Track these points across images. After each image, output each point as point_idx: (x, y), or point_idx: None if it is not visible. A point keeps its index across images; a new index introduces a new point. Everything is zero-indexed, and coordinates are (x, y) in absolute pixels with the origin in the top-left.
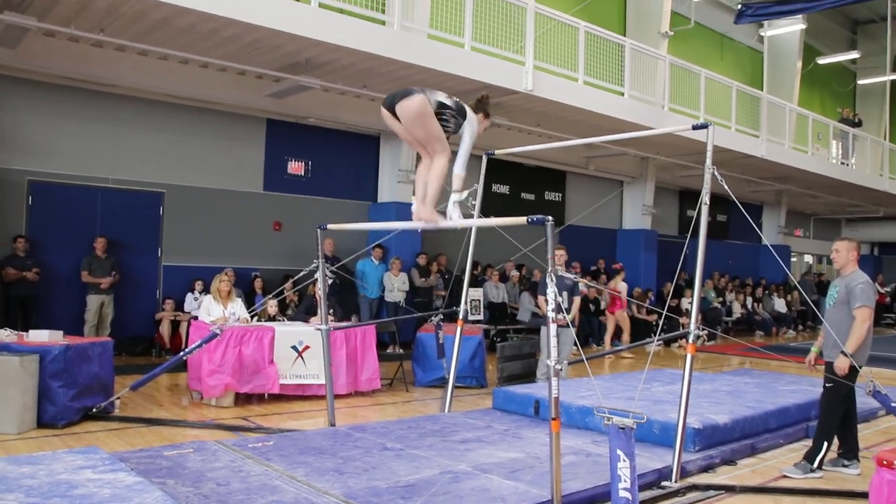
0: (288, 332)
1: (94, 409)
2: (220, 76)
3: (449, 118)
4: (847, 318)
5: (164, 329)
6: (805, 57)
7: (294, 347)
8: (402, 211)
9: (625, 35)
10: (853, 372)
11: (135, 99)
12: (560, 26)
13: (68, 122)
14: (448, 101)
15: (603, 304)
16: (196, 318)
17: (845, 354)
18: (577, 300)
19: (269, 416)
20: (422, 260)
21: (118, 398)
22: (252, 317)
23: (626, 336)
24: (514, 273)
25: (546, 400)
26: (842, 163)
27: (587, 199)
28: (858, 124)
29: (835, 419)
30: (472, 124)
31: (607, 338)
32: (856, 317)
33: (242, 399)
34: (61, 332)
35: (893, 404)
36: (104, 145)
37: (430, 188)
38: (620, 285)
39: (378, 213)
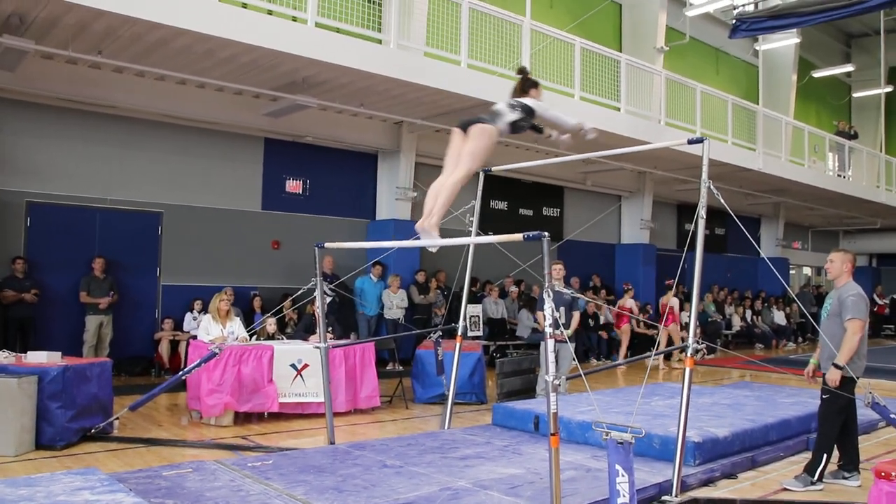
0: (287, 350)
1: (93, 430)
2: (217, 96)
3: (524, 123)
4: (840, 329)
5: (163, 349)
6: (800, 70)
7: (293, 366)
8: (400, 228)
9: (620, 51)
10: (850, 383)
11: (132, 119)
12: (556, 43)
13: (66, 143)
14: (516, 116)
15: (602, 320)
16: (195, 337)
17: (837, 366)
18: (576, 315)
19: (269, 434)
20: (420, 277)
21: (117, 419)
22: (251, 335)
23: (622, 350)
24: (514, 289)
25: (545, 415)
26: (838, 175)
27: (585, 214)
28: (854, 136)
29: (833, 430)
30: (538, 104)
31: (622, 351)
32: (847, 329)
33: (242, 418)
34: (59, 353)
35: (893, 416)
36: (102, 166)
37: (441, 198)
38: (629, 303)
39: (376, 230)
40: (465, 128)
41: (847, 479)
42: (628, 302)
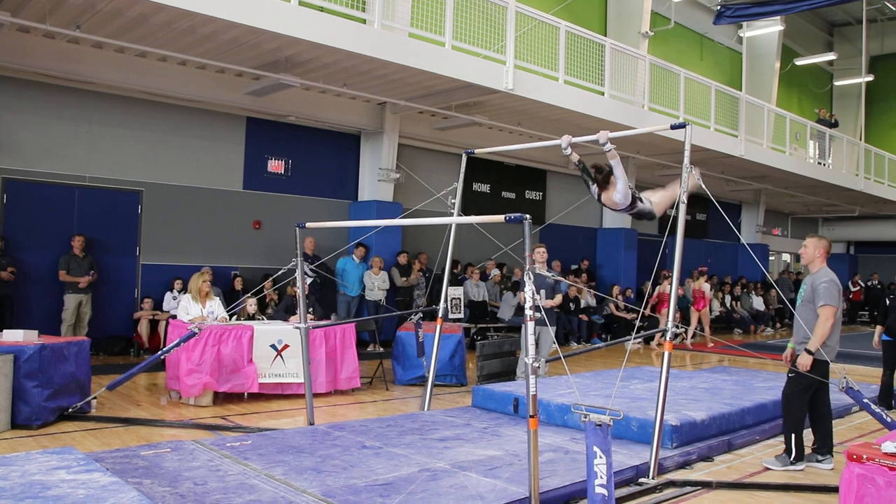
0: (267, 330)
1: (70, 410)
2: (199, 74)
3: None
4: (813, 315)
5: (143, 328)
6: (783, 58)
7: (273, 346)
8: (382, 209)
9: (605, 35)
10: (823, 366)
11: (112, 96)
12: (541, 26)
13: (44, 119)
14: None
15: (583, 303)
16: (175, 317)
17: (809, 352)
18: (558, 298)
19: (248, 415)
20: (402, 259)
21: (94, 398)
22: (231, 316)
23: (707, 330)
24: (496, 272)
25: (525, 398)
26: (819, 163)
27: (568, 197)
28: (835, 125)
29: (798, 410)
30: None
31: (690, 331)
32: (819, 315)
33: (221, 398)
34: (36, 332)
35: (866, 400)
36: (81, 143)
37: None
38: (704, 286)
39: (358, 211)
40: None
41: (820, 462)
42: (703, 285)
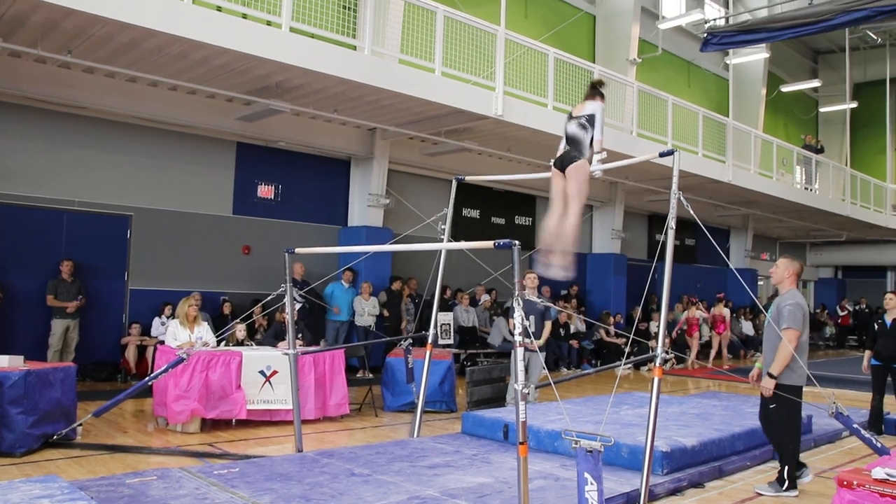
0: (256, 356)
1: (55, 437)
2: (189, 99)
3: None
4: (777, 337)
5: (130, 354)
6: (769, 85)
7: (262, 372)
8: (372, 235)
9: (594, 61)
10: (796, 392)
11: (102, 121)
12: (530, 52)
13: (34, 143)
14: (589, 134)
15: (573, 329)
16: (163, 342)
17: (770, 375)
18: (548, 325)
19: (236, 442)
20: (397, 285)
21: (80, 425)
22: (220, 341)
23: (724, 353)
24: (486, 297)
25: (515, 424)
26: (805, 188)
27: None
28: (821, 151)
29: (795, 434)
30: (598, 108)
31: (712, 354)
32: (782, 337)
33: (209, 425)
34: (22, 358)
35: (856, 425)
36: (71, 167)
37: (564, 241)
38: (724, 311)
39: (348, 236)
40: (562, 168)
41: (799, 478)
42: (723, 310)
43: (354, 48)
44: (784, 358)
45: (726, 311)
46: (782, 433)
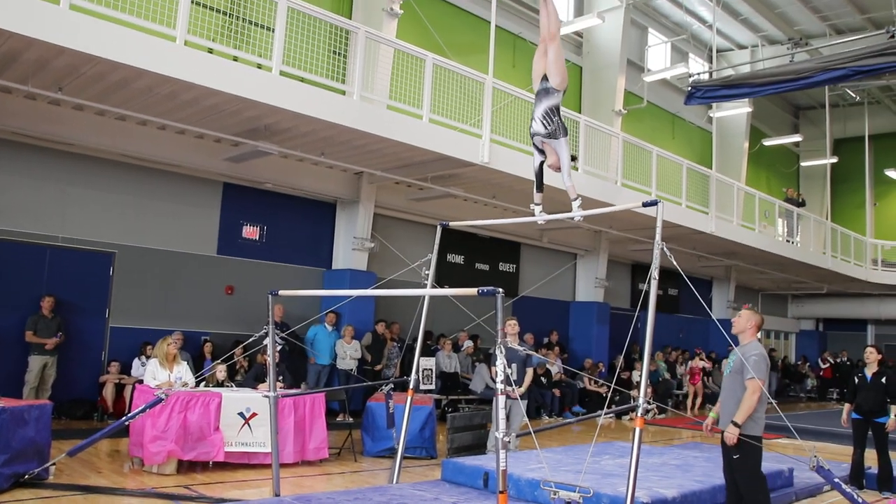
0: (235, 398)
1: (27, 476)
2: (178, 138)
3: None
4: (740, 387)
5: (108, 392)
6: (752, 138)
7: (241, 414)
8: (356, 278)
9: (580, 112)
10: (758, 441)
11: (89, 157)
12: (517, 101)
13: (18, 178)
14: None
15: (554, 377)
16: (142, 381)
17: (735, 424)
18: (529, 372)
19: (213, 484)
20: (380, 328)
21: (53, 464)
22: (199, 382)
23: (698, 403)
24: (469, 343)
25: (495, 472)
26: (787, 240)
27: (541, 270)
28: (802, 204)
29: (763, 487)
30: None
31: (689, 404)
32: (747, 388)
33: (185, 467)
34: None
35: (837, 479)
36: (55, 203)
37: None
38: (699, 364)
39: (332, 279)
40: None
41: None
42: (700, 363)
43: (344, 93)
44: (748, 408)
45: (702, 364)
46: (750, 484)
